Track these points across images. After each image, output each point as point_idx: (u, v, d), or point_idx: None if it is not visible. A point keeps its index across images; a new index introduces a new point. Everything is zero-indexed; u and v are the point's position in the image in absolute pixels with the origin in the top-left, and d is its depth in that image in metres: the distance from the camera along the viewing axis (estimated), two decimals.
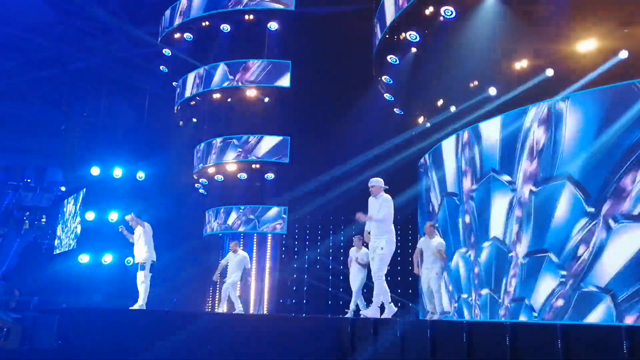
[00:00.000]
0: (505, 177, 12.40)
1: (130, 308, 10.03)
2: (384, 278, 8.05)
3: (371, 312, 8.17)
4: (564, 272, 10.73)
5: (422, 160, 16.50)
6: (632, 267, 9.54)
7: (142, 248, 10.25)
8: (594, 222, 10.29)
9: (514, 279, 11.86)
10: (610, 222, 10.05)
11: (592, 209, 10.37)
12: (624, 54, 10.76)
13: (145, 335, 7.98)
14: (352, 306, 9.98)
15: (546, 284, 11.03)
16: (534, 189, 11.63)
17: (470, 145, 13.63)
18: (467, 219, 13.57)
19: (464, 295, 13.65)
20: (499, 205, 12.48)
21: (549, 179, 11.29)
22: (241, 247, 13.44)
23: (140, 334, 7.97)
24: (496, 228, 12.54)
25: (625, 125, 10.04)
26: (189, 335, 8.22)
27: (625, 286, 9.62)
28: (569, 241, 10.63)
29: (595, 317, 9.98)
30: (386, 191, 8.28)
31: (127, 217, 10.68)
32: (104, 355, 7.40)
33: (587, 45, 11.18)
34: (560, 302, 10.72)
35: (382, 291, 8.04)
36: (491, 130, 12.85)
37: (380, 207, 7.97)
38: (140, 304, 10.15)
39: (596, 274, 10.13)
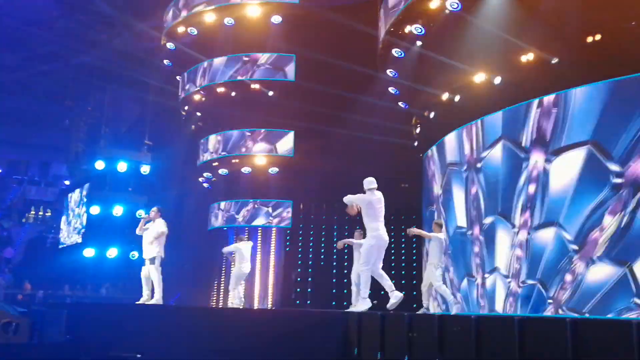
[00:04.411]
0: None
1: (146, 303, 10.07)
2: (369, 271, 8.27)
3: (359, 306, 8.32)
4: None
5: (428, 153, 16.46)
6: None
7: (154, 243, 10.25)
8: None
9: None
10: None
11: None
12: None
13: (154, 329, 8.02)
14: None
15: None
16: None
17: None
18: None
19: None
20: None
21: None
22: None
23: (149, 328, 8.01)
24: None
25: None
26: (196, 330, 8.25)
27: None
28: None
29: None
30: (378, 188, 8.44)
31: (153, 210, 10.68)
32: (114, 349, 7.44)
33: (594, 38, 11.11)
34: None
35: (364, 284, 8.21)
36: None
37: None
38: (156, 298, 10.20)
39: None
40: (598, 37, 10.94)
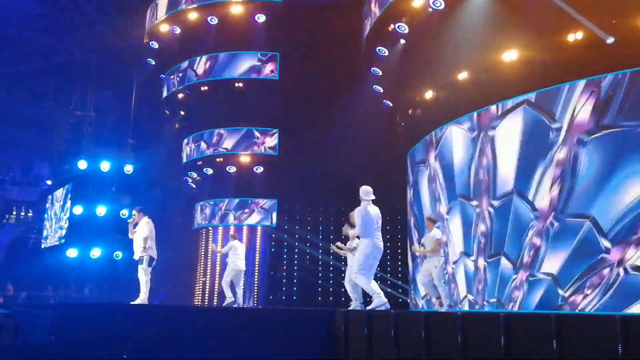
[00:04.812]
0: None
1: (132, 303, 10.03)
2: (366, 275, 8.24)
3: (375, 303, 8.25)
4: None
5: (413, 150, 16.54)
6: None
7: (141, 244, 10.21)
8: None
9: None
10: None
11: None
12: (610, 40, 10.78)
13: (139, 329, 7.98)
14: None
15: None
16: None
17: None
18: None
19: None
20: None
21: None
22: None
23: (134, 328, 7.98)
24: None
25: None
26: (182, 330, 8.22)
27: None
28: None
29: None
30: (376, 198, 8.44)
31: (134, 212, 10.61)
32: (99, 350, 7.40)
33: (575, 37, 11.24)
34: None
35: (367, 286, 8.22)
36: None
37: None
38: (142, 298, 10.17)
39: None
40: (579, 35, 11.06)
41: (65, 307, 8.97)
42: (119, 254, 21.94)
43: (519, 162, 11.89)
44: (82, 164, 22.86)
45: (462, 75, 13.54)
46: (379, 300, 8.02)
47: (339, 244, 9.53)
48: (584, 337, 4.34)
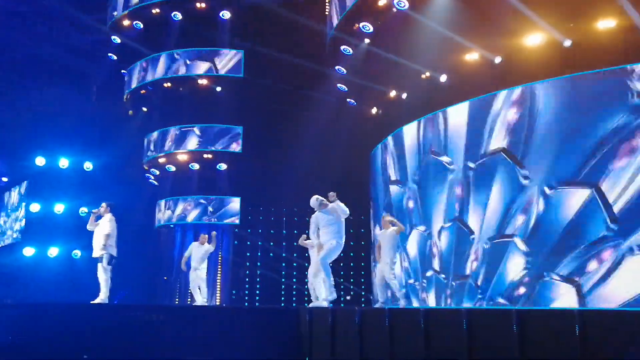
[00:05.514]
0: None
1: (92, 302, 9.80)
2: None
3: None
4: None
5: (376, 150, 16.66)
6: None
7: (101, 241, 9.91)
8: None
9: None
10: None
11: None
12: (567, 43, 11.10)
13: (99, 329, 7.84)
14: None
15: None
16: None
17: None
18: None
19: (410, 281, 14.01)
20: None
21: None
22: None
23: (94, 328, 7.84)
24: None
25: None
26: (144, 329, 8.12)
27: None
28: None
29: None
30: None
31: (102, 205, 10.23)
32: (58, 350, 7.25)
33: (534, 38, 11.50)
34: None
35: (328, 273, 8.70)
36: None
37: None
38: (102, 298, 9.92)
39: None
40: (541, 36, 11.33)
41: (23, 307, 8.72)
42: (77, 253, 21.53)
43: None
44: (40, 161, 22.35)
45: (425, 76, 13.72)
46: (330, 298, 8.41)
47: (304, 237, 9.73)
48: (544, 331, 4.45)
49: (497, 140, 11.69)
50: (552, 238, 10.51)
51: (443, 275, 12.86)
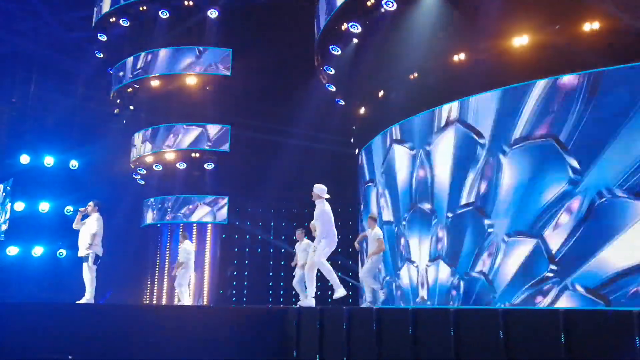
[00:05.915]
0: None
1: (77, 302, 9.73)
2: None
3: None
4: None
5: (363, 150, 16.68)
6: None
7: (87, 240, 9.85)
8: None
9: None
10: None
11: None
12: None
13: (85, 329, 7.79)
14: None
15: None
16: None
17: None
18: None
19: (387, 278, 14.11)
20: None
21: None
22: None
23: (80, 328, 7.78)
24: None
25: None
26: (130, 329, 8.07)
27: None
28: None
29: None
30: (329, 195, 8.68)
31: (89, 204, 10.15)
32: (43, 350, 7.19)
33: (521, 40, 11.55)
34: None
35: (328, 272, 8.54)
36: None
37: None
38: (87, 297, 9.86)
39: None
40: (526, 38, 11.38)
41: (7, 306, 8.63)
42: (63, 252, 21.35)
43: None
44: (25, 159, 22.14)
45: (414, 75, 13.74)
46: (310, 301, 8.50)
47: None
48: (529, 330, 4.47)
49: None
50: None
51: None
